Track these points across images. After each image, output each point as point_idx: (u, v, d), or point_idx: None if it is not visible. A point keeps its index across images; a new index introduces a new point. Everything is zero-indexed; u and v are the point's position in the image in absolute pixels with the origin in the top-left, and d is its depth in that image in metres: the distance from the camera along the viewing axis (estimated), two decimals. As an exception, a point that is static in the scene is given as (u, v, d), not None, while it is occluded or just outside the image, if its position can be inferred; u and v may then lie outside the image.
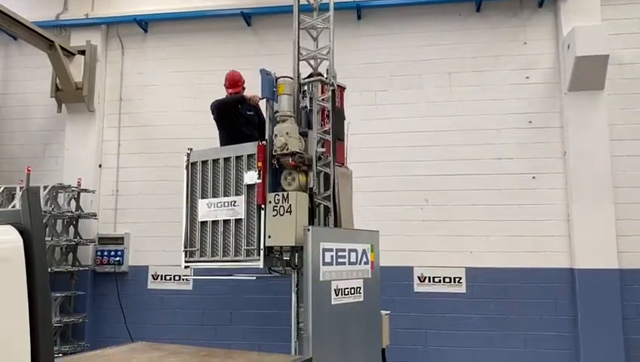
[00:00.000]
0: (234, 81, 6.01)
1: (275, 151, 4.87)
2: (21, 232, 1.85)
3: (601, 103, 6.89)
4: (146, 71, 8.28)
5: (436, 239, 7.18)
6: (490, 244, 7.06)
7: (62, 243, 7.15)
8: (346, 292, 4.82)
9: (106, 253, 7.80)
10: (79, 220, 7.59)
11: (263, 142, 5.00)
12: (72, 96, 7.90)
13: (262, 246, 4.85)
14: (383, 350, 5.38)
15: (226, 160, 5.23)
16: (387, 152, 7.40)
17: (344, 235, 5.02)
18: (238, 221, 5.07)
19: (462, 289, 7.07)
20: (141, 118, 8.20)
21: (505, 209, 7.08)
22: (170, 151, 7.93)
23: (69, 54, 7.88)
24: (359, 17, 7.76)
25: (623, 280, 6.61)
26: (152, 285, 7.78)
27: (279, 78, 5.21)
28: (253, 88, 7.74)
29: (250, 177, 4.99)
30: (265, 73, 5.14)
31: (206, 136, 7.63)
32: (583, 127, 6.88)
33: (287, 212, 4.71)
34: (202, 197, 5.35)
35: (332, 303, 4.64)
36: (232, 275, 5.44)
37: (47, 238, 6.70)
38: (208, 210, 5.27)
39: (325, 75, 5.35)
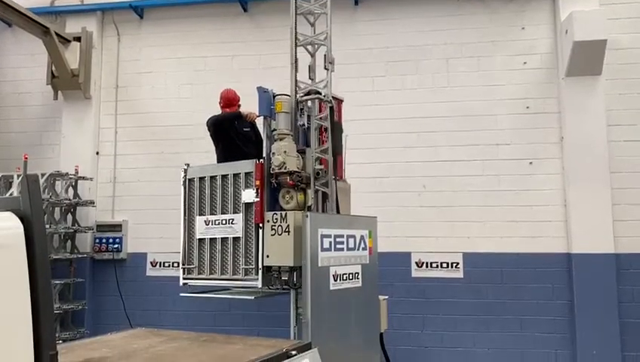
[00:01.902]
0: (229, 100, 5.90)
1: (273, 169, 4.81)
2: (21, 219, 1.85)
3: (599, 89, 6.88)
4: (142, 57, 8.23)
5: (434, 225, 7.21)
6: (488, 230, 7.09)
7: (60, 230, 7.16)
8: (345, 278, 4.85)
9: (104, 241, 7.81)
10: (77, 208, 7.58)
11: (261, 160, 4.93)
12: (68, 83, 7.85)
13: (260, 266, 4.80)
14: (381, 334, 5.44)
15: (224, 177, 5.15)
16: (385, 138, 7.39)
17: (342, 221, 5.05)
18: (236, 239, 5.00)
19: (459, 274, 7.11)
20: (138, 104, 8.16)
21: (502, 194, 7.11)
22: (167, 138, 7.94)
23: (65, 41, 7.81)
24: (356, 2, 7.71)
25: (619, 264, 6.66)
26: (150, 272, 7.80)
27: (277, 95, 5.13)
28: (250, 74, 7.76)
29: (248, 195, 4.92)
30: (262, 91, 5.08)
31: (202, 122, 7.65)
32: (580, 112, 6.88)
33: (285, 232, 4.66)
34: (200, 214, 5.27)
35: (330, 288, 4.69)
36: (229, 289, 5.40)
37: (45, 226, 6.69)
38: (206, 227, 5.20)
39: (323, 93, 5.29)
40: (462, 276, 7.10)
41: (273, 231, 4.71)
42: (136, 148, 8.07)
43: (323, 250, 4.63)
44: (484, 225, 7.11)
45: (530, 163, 7.11)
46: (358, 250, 5.11)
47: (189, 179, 5.39)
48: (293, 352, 3.06)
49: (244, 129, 5.77)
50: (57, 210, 7.39)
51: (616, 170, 6.82)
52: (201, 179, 5.30)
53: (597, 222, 6.69)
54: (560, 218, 6.96)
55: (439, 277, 7.14)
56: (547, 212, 6.99)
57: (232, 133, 5.64)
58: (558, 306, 6.85)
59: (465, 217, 7.15)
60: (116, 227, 7.87)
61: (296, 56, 5.36)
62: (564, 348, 6.79)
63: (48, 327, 1.87)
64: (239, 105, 5.93)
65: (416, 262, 7.20)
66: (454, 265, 7.12)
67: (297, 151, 5.00)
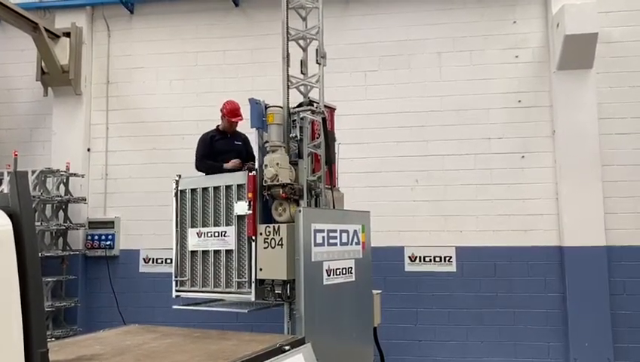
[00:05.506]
0: (233, 111, 5.79)
1: (266, 181, 4.75)
2: (10, 216, 1.83)
3: (590, 82, 6.90)
4: (133, 53, 8.17)
5: (426, 219, 7.23)
6: (480, 223, 7.12)
7: (52, 227, 7.11)
8: (338, 273, 4.86)
9: (96, 237, 7.78)
10: (69, 205, 7.53)
11: (253, 172, 4.88)
12: (58, 79, 7.78)
13: (253, 279, 4.75)
14: (375, 329, 5.45)
15: (216, 189, 5.09)
16: (377, 133, 7.39)
17: (335, 216, 5.06)
18: (228, 252, 4.96)
19: (452, 268, 7.13)
20: (129, 100, 8.11)
21: (494, 188, 7.13)
22: (159, 133, 7.90)
23: (54, 37, 7.74)
24: (348, -3, 7.69)
25: (611, 257, 6.70)
26: (143, 268, 7.78)
27: (269, 107, 5.09)
28: (241, 69, 7.72)
29: (241, 208, 4.87)
30: (254, 102, 5.04)
31: (194, 118, 7.63)
32: (571, 105, 6.91)
33: (278, 245, 4.62)
34: (192, 226, 5.22)
35: (324, 283, 4.69)
36: (223, 300, 5.36)
37: (36, 223, 6.66)
38: (198, 239, 5.16)
39: (316, 103, 5.28)
40: (455, 270, 7.13)
41: (266, 244, 4.69)
42: (128, 144, 8.03)
43: (316, 244, 4.63)
44: (477, 219, 7.13)
45: (522, 156, 7.13)
46: (352, 244, 5.12)
47: (181, 191, 5.33)
48: (287, 347, 3.06)
49: (236, 142, 5.81)
50: (49, 207, 7.34)
51: (607, 163, 6.86)
52: (193, 190, 5.25)
53: (588, 215, 6.73)
54: (552, 211, 6.99)
55: (432, 271, 7.16)
56: (539, 205, 7.03)
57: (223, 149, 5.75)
58: (551, 299, 6.89)
59: (457, 211, 7.17)
60: (108, 224, 7.84)
61: (287, 50, 5.33)
62: (556, 341, 6.84)
63: (39, 325, 1.85)
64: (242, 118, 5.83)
65: (409, 256, 7.22)
66: (447, 258, 7.14)
67: (290, 162, 4.94)
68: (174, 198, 5.37)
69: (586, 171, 6.80)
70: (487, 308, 7.00)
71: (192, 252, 5.23)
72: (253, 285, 4.76)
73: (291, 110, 5.19)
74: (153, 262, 7.76)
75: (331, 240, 4.84)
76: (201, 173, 5.63)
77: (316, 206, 5.14)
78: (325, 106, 5.33)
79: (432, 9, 7.53)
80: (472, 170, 7.20)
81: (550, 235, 6.96)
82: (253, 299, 4.81)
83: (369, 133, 7.38)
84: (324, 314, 4.66)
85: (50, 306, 6.81)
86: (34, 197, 6.74)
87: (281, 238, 4.63)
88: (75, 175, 7.55)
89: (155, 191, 7.59)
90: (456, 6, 7.48)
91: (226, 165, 5.52)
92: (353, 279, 5.05)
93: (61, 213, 7.48)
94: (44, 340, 1.87)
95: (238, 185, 4.94)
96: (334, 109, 5.82)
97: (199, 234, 5.17)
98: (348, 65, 7.46)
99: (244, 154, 5.75)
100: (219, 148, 5.77)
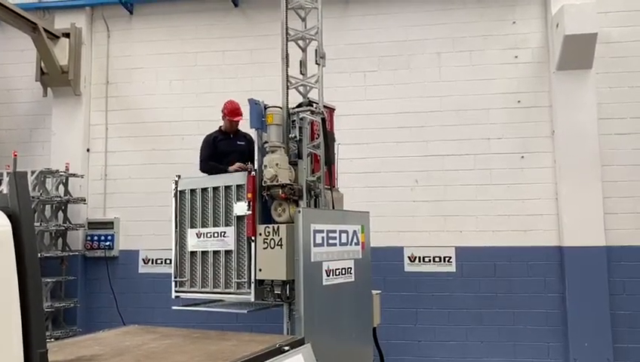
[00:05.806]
0: (233, 111, 5.82)
1: (265, 182, 4.74)
2: (9, 216, 1.83)
3: (590, 82, 6.90)
4: (133, 53, 8.17)
5: (426, 219, 7.22)
6: (480, 224, 7.12)
7: (51, 228, 7.10)
8: (337, 273, 4.86)
9: (96, 238, 7.77)
10: (68, 205, 7.53)
11: (253, 173, 4.87)
12: (57, 79, 7.78)
13: (252, 279, 4.75)
14: (374, 329, 5.45)
15: (215, 189, 5.09)
16: (377, 133, 7.39)
17: (335, 217, 5.06)
18: (228, 252, 4.95)
19: (452, 268, 7.13)
20: (128, 101, 8.11)
21: (494, 188, 7.13)
22: (158, 134, 7.90)
23: (54, 37, 7.73)
24: (347, -3, 7.69)
25: (610, 257, 6.70)
26: (143, 269, 7.77)
27: (268, 107, 5.08)
28: (241, 70, 7.73)
29: (240, 208, 4.86)
30: (253, 103, 5.03)
31: (193, 118, 7.63)
32: (571, 106, 6.91)
33: (277, 245, 4.62)
34: (191, 227, 5.22)
35: (323, 284, 4.69)
36: (222, 301, 5.35)
37: (36, 224, 6.65)
38: (198, 240, 5.15)
39: (316, 103, 5.27)
40: (454, 270, 7.13)
41: (265, 244, 4.68)
42: (127, 144, 8.02)
43: (316, 245, 4.63)
44: (477, 219, 7.13)
45: (522, 157, 7.13)
46: (351, 245, 5.11)
47: (180, 191, 5.32)
48: (287, 348, 3.05)
49: (239, 143, 5.81)
50: (48, 207, 7.33)
51: (607, 163, 6.86)
52: (192, 191, 5.24)
53: (588, 215, 6.73)
54: (551, 211, 6.99)
55: (432, 272, 7.16)
56: (539, 205, 7.03)
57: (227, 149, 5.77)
58: (550, 299, 6.89)
59: (457, 211, 7.17)
60: (108, 224, 7.83)
61: (287, 51, 5.33)
62: (556, 341, 6.84)
63: (38, 325, 1.85)
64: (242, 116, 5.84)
65: (408, 257, 7.22)
66: (447, 259, 7.14)
67: (289, 163, 4.93)
68: (174, 199, 5.36)
69: (586, 171, 6.80)
70: (486, 309, 7.00)
71: (192, 252, 5.22)
72: (252, 285, 4.76)
73: (291, 110, 5.19)
74: (153, 263, 7.75)
75: (331, 241, 4.84)
76: (205, 175, 5.62)
77: (316, 206, 5.14)
78: (325, 107, 5.33)
79: (431, 9, 7.53)
80: (472, 170, 7.20)
81: (550, 235, 6.96)
82: (252, 300, 4.80)
83: (369, 133, 7.38)
84: (323, 314, 4.66)
85: (49, 307, 6.80)
86: (33, 197, 6.74)
87: (281, 239, 4.62)
88: (74, 175, 7.55)
89: (154, 191, 7.59)
90: (455, 6, 7.48)
91: (230, 168, 5.51)
92: (353, 279, 5.05)
93: (60, 214, 7.47)
94: (43, 341, 1.87)
95: (237, 186, 4.94)
96: (334, 110, 5.83)
97: (199, 235, 5.16)
98: (347, 65, 7.46)
99: (248, 154, 5.73)
100: (222, 149, 5.78)
